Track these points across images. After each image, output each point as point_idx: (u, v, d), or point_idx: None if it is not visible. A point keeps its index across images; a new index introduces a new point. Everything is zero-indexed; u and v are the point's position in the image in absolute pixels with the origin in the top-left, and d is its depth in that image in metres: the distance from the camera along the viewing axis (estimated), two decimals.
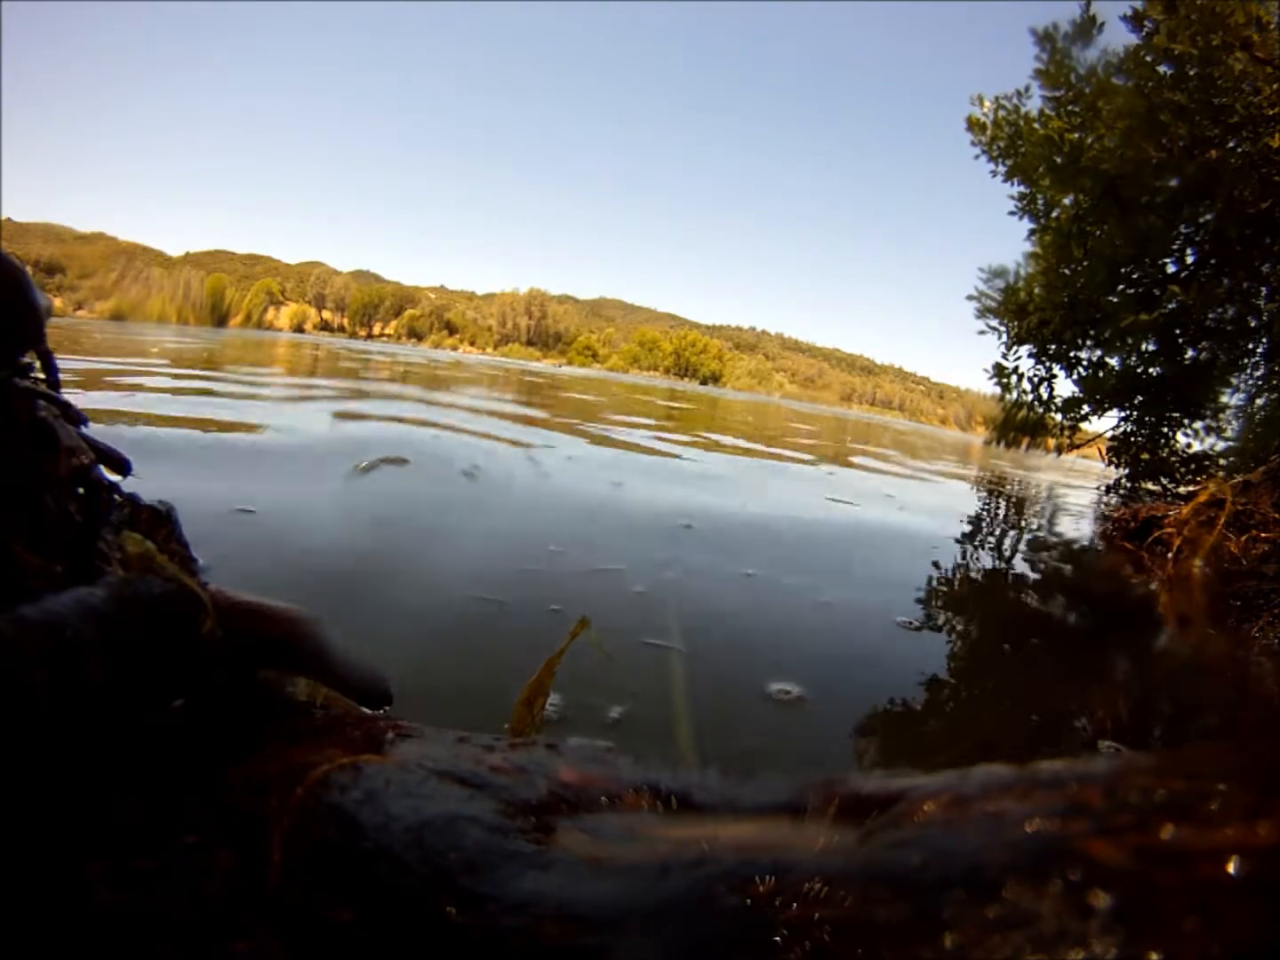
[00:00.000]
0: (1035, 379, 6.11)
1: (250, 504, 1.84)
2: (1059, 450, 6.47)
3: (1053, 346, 5.86)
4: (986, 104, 5.73)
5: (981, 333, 6.15)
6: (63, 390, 0.65)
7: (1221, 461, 5.55)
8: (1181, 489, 5.47)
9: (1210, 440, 5.71)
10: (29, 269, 0.56)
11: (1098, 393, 5.88)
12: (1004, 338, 6.07)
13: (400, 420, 4.32)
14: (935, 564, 2.50)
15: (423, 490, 2.50)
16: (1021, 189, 5.89)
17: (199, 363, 7.52)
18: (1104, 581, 2.91)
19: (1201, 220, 5.20)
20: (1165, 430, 5.82)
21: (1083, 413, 6.09)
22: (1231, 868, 0.27)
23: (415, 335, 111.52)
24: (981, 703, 1.41)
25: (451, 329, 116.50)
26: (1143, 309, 5.35)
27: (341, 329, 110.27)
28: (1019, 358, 6.11)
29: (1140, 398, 5.78)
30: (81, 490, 0.59)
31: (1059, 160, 5.31)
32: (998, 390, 6.27)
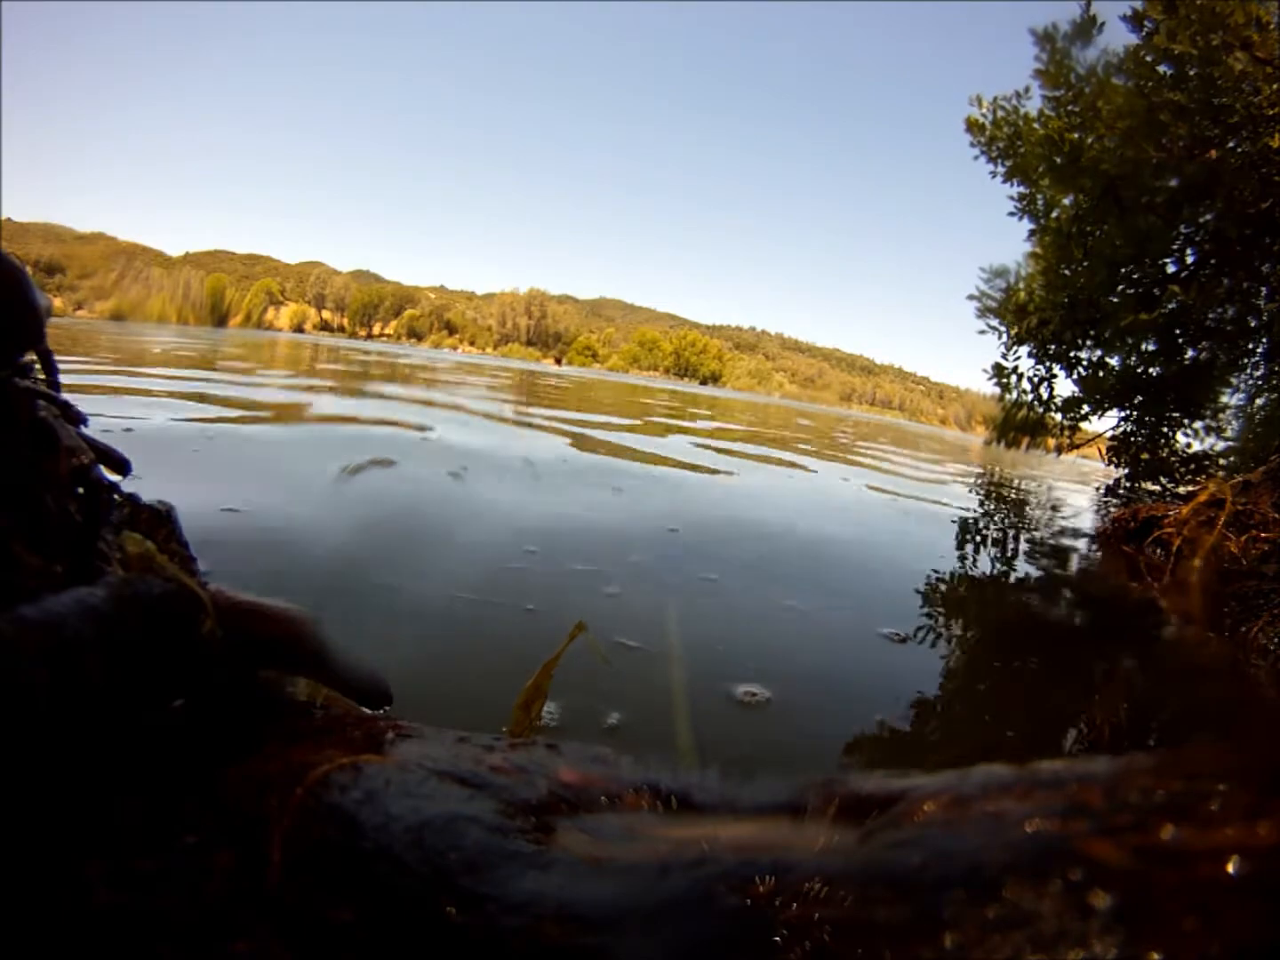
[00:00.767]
0: (1035, 379, 6.11)
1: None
2: (1059, 450, 6.47)
3: (1053, 346, 5.86)
4: (985, 104, 5.72)
5: (982, 333, 6.16)
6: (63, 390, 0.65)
7: (1221, 461, 5.55)
8: (1181, 489, 5.47)
9: (1210, 440, 5.72)
10: (29, 269, 0.56)
11: (1098, 393, 5.88)
12: (1004, 338, 6.08)
13: (393, 423, 4.32)
14: (934, 565, 2.50)
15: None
16: (1021, 189, 5.89)
17: (199, 364, 7.52)
18: (1103, 582, 2.91)
19: (1201, 220, 5.20)
20: (1165, 430, 5.83)
21: (1083, 413, 6.09)
22: (1231, 868, 0.27)
23: (415, 335, 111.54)
24: (979, 707, 1.42)
25: (451, 329, 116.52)
26: (1143, 309, 5.35)
27: (341, 329, 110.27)
28: (1019, 358, 6.11)
29: (1140, 398, 5.78)
30: (81, 490, 0.59)
31: (1059, 160, 5.31)
32: (998, 390, 6.27)
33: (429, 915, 0.36)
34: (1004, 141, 5.67)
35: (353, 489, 2.31)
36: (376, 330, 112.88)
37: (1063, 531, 4.18)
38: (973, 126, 5.82)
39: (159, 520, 0.68)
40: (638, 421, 7.27)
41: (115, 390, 3.96)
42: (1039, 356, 6.02)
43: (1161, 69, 4.88)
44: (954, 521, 3.74)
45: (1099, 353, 5.86)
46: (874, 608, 1.84)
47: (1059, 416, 6.17)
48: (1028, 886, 0.28)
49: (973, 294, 6.16)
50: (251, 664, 0.59)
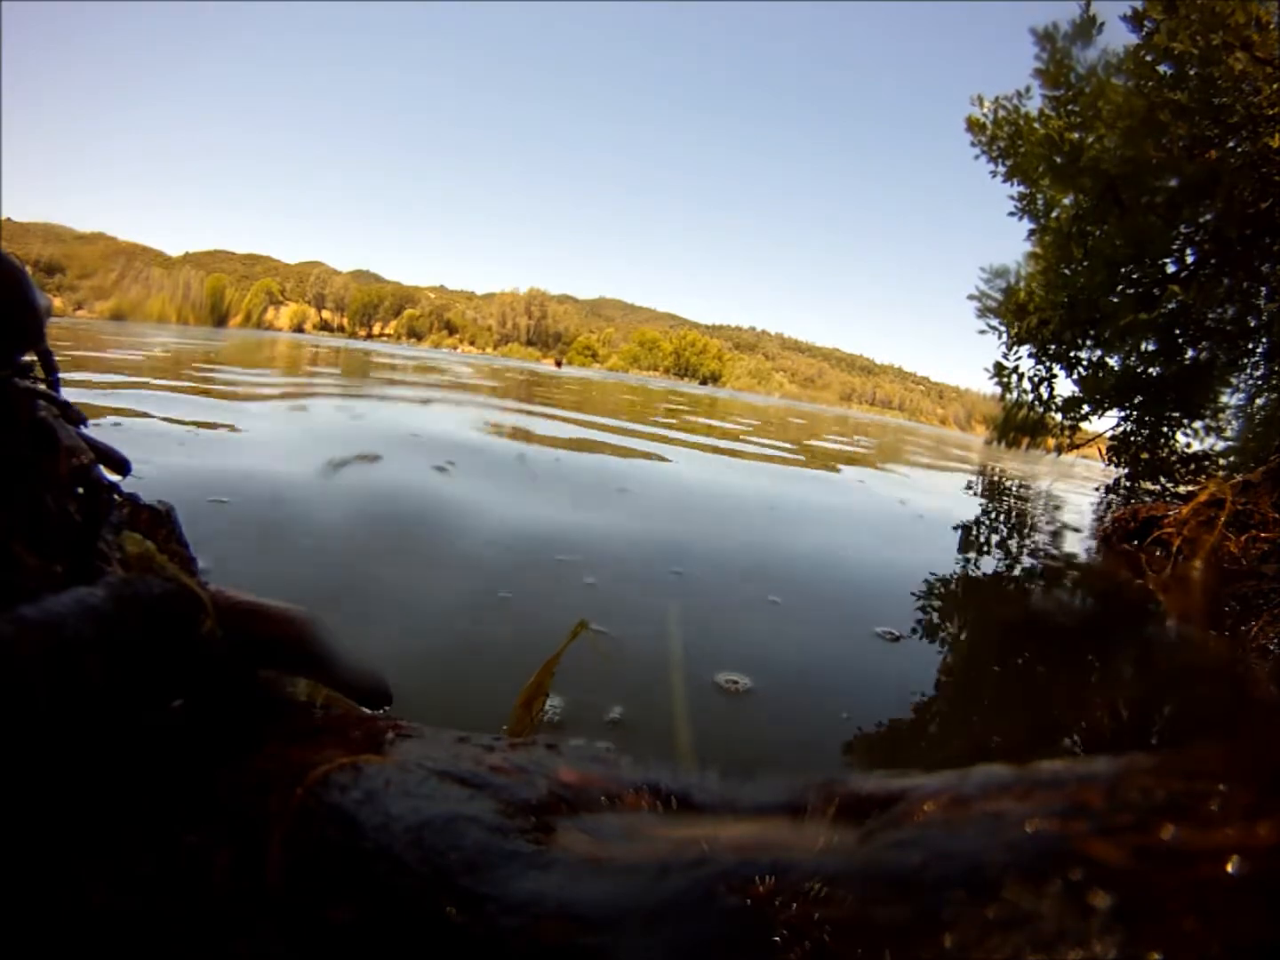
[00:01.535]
0: (1035, 379, 6.11)
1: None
2: (1059, 450, 6.47)
3: (1053, 346, 5.86)
4: (986, 104, 5.73)
5: (982, 332, 6.16)
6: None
7: (1221, 461, 5.55)
8: (1181, 489, 5.47)
9: (1210, 440, 5.72)
10: (29, 269, 0.56)
11: (1098, 393, 5.88)
12: (1004, 337, 6.08)
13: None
14: (933, 563, 2.50)
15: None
16: (1021, 189, 5.89)
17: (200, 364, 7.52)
18: (1103, 582, 2.91)
19: (1201, 220, 5.21)
20: (1165, 430, 5.83)
21: (1083, 412, 6.09)
22: (1231, 868, 0.27)
23: (415, 335, 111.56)
24: (977, 705, 1.41)
25: (451, 329, 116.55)
26: (1143, 309, 5.35)
27: (341, 329, 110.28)
28: (1019, 357, 6.12)
29: (1140, 398, 5.78)
30: (81, 490, 0.59)
31: (1059, 160, 5.31)
32: (998, 390, 6.28)
33: (429, 915, 0.36)
34: (1004, 141, 5.67)
35: None
36: (376, 330, 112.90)
37: (1062, 531, 4.18)
38: (973, 126, 5.82)
39: (159, 520, 0.68)
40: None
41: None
42: (1039, 356, 6.02)
43: (1161, 69, 4.89)
44: (956, 519, 3.74)
45: (1099, 353, 5.87)
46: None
47: (1059, 416, 6.17)
48: (1028, 886, 0.28)
49: (973, 294, 6.17)
50: (251, 664, 0.59)
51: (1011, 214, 6.00)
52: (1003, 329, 6.05)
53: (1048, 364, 6.02)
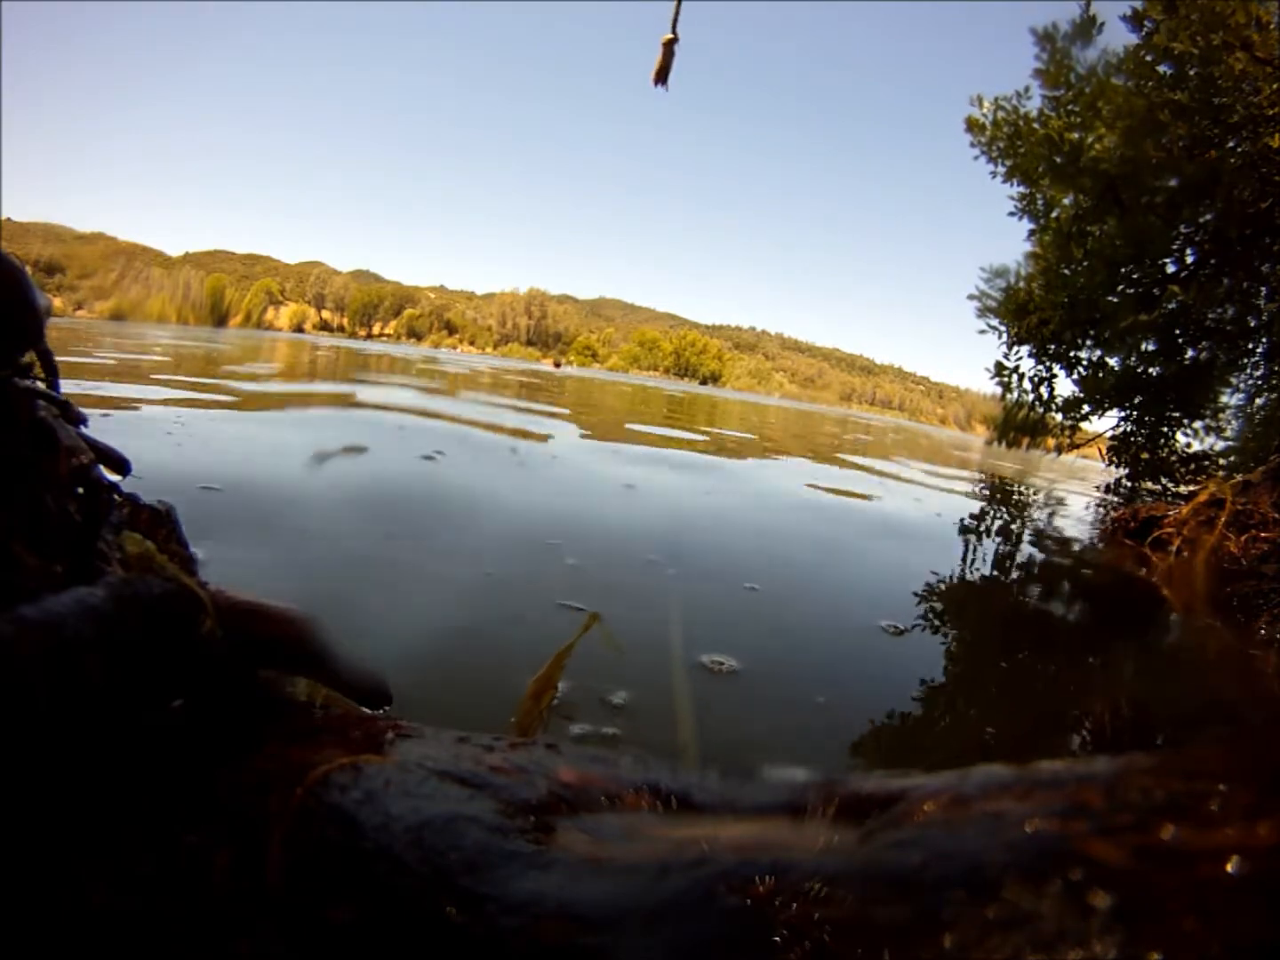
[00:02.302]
0: (1035, 379, 6.11)
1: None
2: (1059, 450, 6.47)
3: (1053, 346, 5.86)
4: (986, 105, 5.73)
5: (982, 332, 6.16)
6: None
7: (1221, 461, 5.55)
8: (1181, 489, 5.48)
9: (1210, 440, 5.73)
10: (29, 269, 0.56)
11: (1098, 393, 5.88)
12: (1004, 337, 6.08)
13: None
14: (934, 562, 2.50)
15: None
16: (1021, 189, 5.90)
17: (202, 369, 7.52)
18: (1103, 582, 2.91)
19: (1201, 220, 5.21)
20: (1165, 430, 5.83)
21: (1083, 412, 6.09)
22: (1231, 868, 0.27)
23: (415, 335, 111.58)
24: (975, 704, 1.42)
25: (451, 329, 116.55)
26: (1143, 309, 5.35)
27: (341, 329, 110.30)
28: (1019, 357, 6.12)
29: (1140, 398, 5.78)
30: (81, 490, 0.59)
31: (1059, 160, 5.31)
32: (998, 390, 6.28)
33: (429, 915, 0.36)
34: (1004, 141, 5.67)
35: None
36: (376, 330, 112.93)
37: (1062, 531, 4.18)
38: (973, 126, 5.82)
39: (159, 520, 0.68)
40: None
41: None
42: (1039, 356, 6.02)
43: (1161, 69, 4.89)
44: (957, 517, 3.74)
45: (1099, 353, 5.87)
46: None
47: (1059, 416, 6.17)
48: (1028, 886, 0.28)
49: (973, 294, 6.17)
50: (251, 664, 0.59)
51: (1011, 214, 6.01)
52: (1003, 329, 6.05)
53: (1048, 364, 6.02)
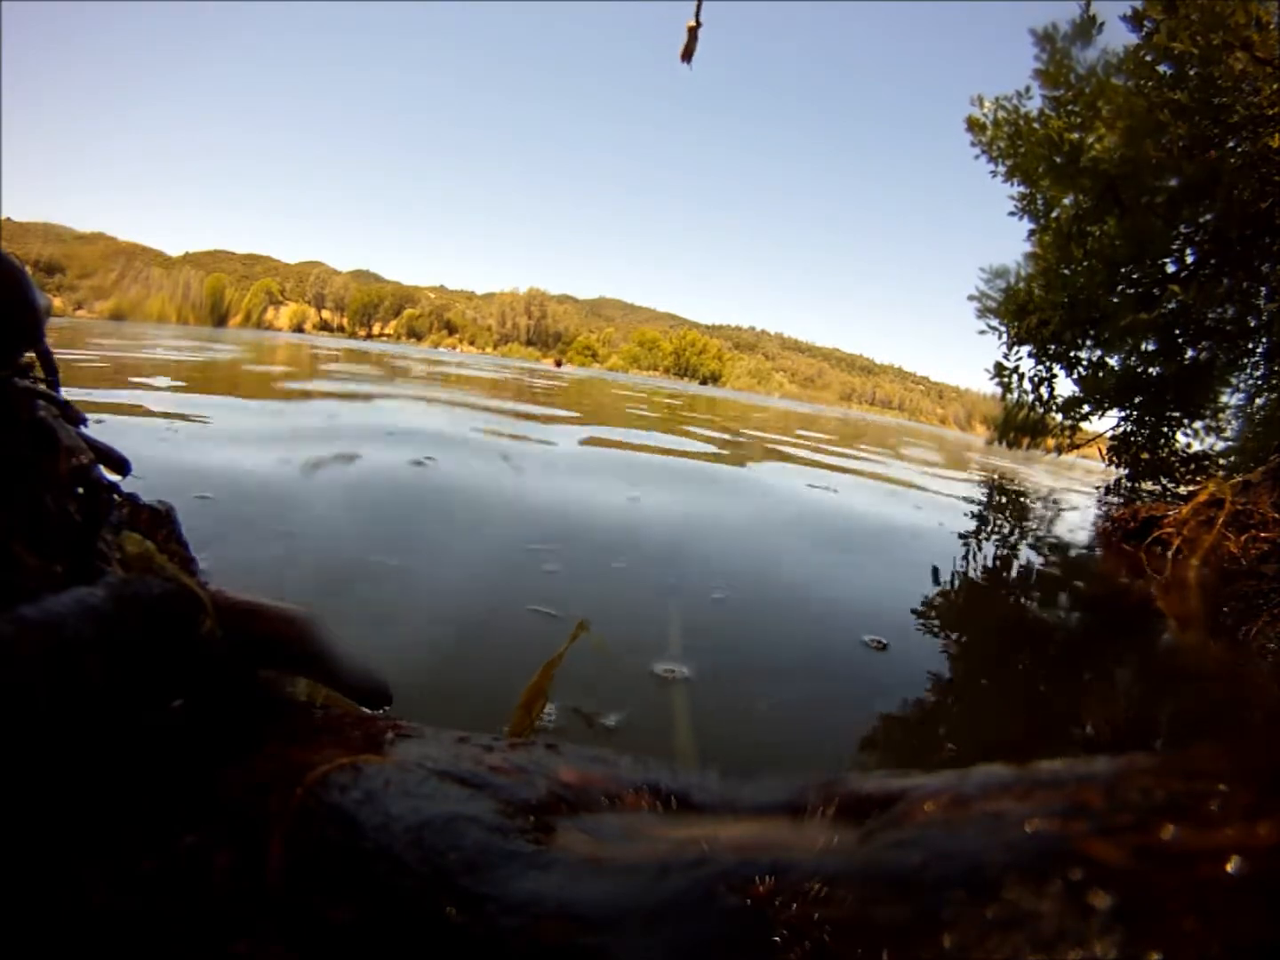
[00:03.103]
0: (1035, 379, 6.11)
1: None
2: (1059, 450, 6.47)
3: (1053, 346, 5.86)
4: (987, 104, 5.72)
5: (982, 333, 6.16)
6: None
7: (1221, 461, 5.55)
8: (1181, 489, 5.48)
9: (1210, 440, 5.72)
10: (29, 269, 0.56)
11: (1098, 393, 5.88)
12: (1004, 338, 6.07)
13: None
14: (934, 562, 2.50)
15: None
16: (1021, 189, 5.89)
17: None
18: (1102, 582, 2.91)
19: (1201, 220, 5.20)
20: (1165, 430, 5.83)
21: (1083, 413, 6.09)
22: (1231, 868, 0.27)
23: (415, 335, 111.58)
24: (974, 706, 1.42)
25: (451, 328, 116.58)
26: (1143, 309, 5.35)
27: (341, 329, 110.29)
28: (1019, 357, 6.11)
29: (1140, 398, 5.78)
30: (81, 490, 0.59)
31: (1059, 160, 5.31)
32: (998, 390, 6.27)
33: (429, 915, 0.36)
34: (1004, 141, 5.67)
35: None
36: (376, 330, 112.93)
37: (1062, 531, 4.18)
38: (973, 126, 5.82)
39: (159, 520, 0.68)
40: None
41: None
42: (1039, 356, 6.02)
43: (1161, 69, 4.88)
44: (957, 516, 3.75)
45: (1099, 353, 5.86)
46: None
47: (1059, 416, 6.17)
48: (1028, 886, 0.28)
49: (973, 294, 6.16)
50: (251, 664, 0.59)
51: (1011, 214, 6.01)
52: (1003, 329, 6.05)
53: (1048, 364, 6.02)
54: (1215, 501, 2.88)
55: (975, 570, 2.62)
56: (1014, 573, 2.79)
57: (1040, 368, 6.07)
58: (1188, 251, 5.48)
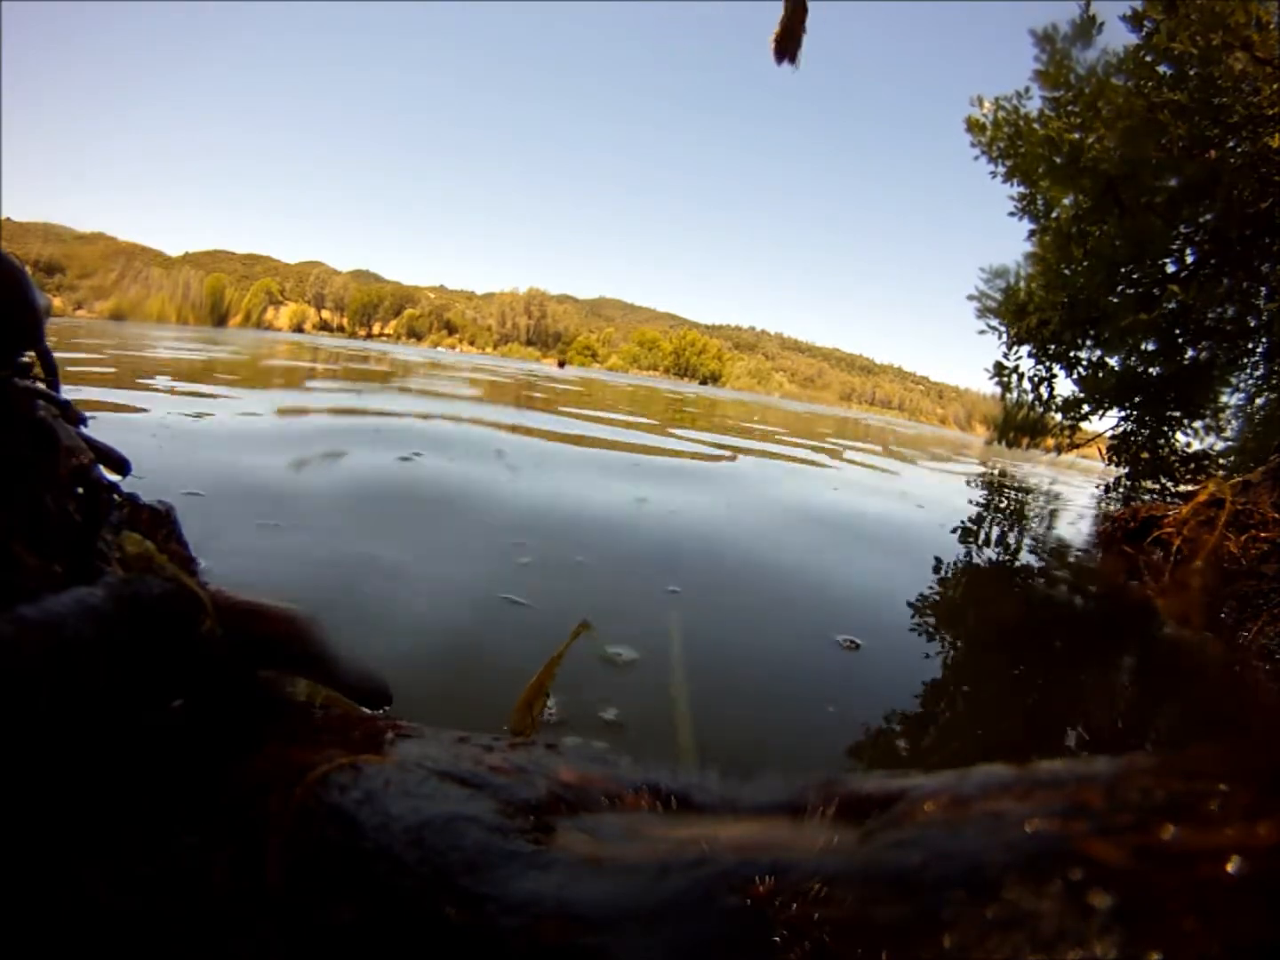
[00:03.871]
0: (1035, 379, 6.11)
1: None
2: (1059, 450, 6.47)
3: (1053, 346, 5.86)
4: (986, 105, 5.72)
5: (982, 333, 6.16)
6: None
7: (1221, 461, 5.55)
8: (1181, 489, 5.48)
9: (1210, 440, 5.72)
10: (29, 269, 0.56)
11: (1098, 393, 5.88)
12: (1004, 338, 6.07)
13: None
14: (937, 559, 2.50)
15: None
16: (1021, 189, 5.89)
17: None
18: (1102, 582, 2.91)
19: (1201, 220, 5.20)
20: (1165, 430, 5.83)
21: (1083, 412, 6.09)
22: (1231, 868, 0.27)
23: (415, 335, 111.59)
24: (974, 707, 1.42)
25: (451, 328, 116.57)
26: (1143, 309, 5.35)
27: (341, 329, 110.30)
28: (1019, 357, 6.12)
29: (1140, 398, 5.78)
30: (81, 490, 0.59)
31: (1059, 160, 5.31)
32: (997, 390, 6.28)
33: (429, 915, 0.36)
34: (1004, 142, 5.67)
35: None
36: (376, 330, 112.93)
37: (1061, 531, 4.18)
38: (973, 126, 5.82)
39: (159, 520, 0.68)
40: None
41: None
42: (1039, 356, 6.02)
43: (1161, 69, 4.88)
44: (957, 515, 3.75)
45: (1099, 353, 5.86)
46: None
47: (1059, 416, 6.17)
48: (1028, 886, 0.28)
49: (973, 294, 6.16)
50: (251, 664, 0.59)
51: (1011, 214, 6.00)
52: (1003, 329, 6.05)
53: (1048, 364, 6.02)
54: (1215, 501, 2.88)
55: (974, 571, 2.63)
56: (1013, 573, 2.79)
57: (1040, 367, 6.07)
58: (1188, 251, 5.48)
